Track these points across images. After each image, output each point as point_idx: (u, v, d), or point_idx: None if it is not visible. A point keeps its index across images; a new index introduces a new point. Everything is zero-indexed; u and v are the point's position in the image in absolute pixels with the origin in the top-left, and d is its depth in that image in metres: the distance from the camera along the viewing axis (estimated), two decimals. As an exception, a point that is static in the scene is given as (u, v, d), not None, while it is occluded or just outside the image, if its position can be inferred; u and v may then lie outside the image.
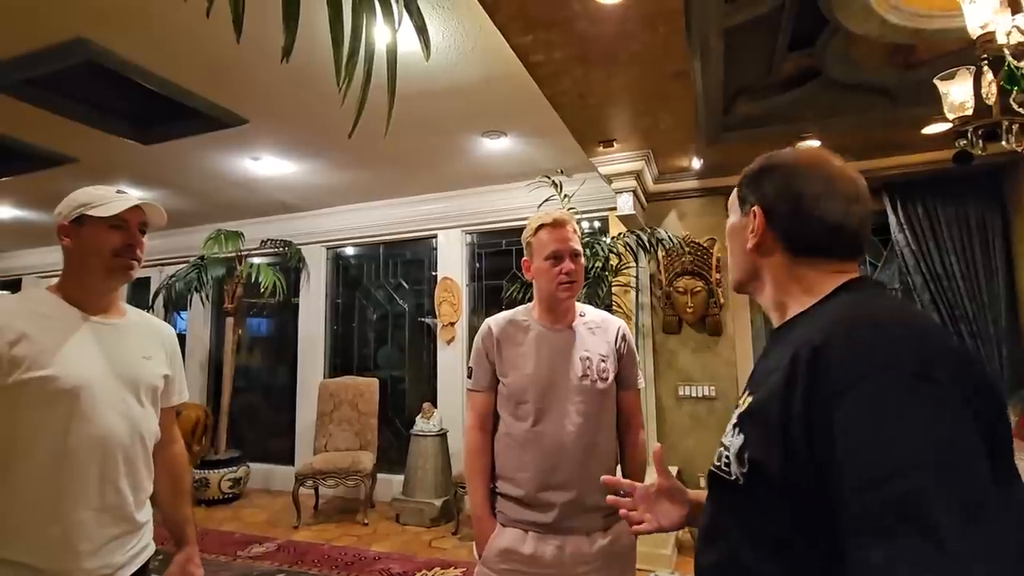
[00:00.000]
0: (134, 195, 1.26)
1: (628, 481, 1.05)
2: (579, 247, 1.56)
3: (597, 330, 1.59)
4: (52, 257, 6.97)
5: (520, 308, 1.65)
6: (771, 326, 0.90)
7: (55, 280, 1.24)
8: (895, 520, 0.50)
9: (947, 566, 0.47)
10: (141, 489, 1.23)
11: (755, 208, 0.80)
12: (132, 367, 1.23)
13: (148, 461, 1.26)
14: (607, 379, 1.53)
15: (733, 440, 0.71)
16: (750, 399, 0.73)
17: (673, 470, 3.76)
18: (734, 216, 0.88)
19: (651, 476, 1.04)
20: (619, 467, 1.63)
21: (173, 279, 5.37)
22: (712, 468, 0.75)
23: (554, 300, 1.55)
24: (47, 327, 1.11)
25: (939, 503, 0.49)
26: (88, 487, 1.11)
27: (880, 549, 0.51)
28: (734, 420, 0.74)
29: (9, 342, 1.05)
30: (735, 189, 0.89)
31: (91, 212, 1.19)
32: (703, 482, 3.63)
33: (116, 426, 1.16)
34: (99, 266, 1.20)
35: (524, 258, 1.64)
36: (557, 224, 1.55)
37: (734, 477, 0.69)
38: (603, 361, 1.54)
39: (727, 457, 0.71)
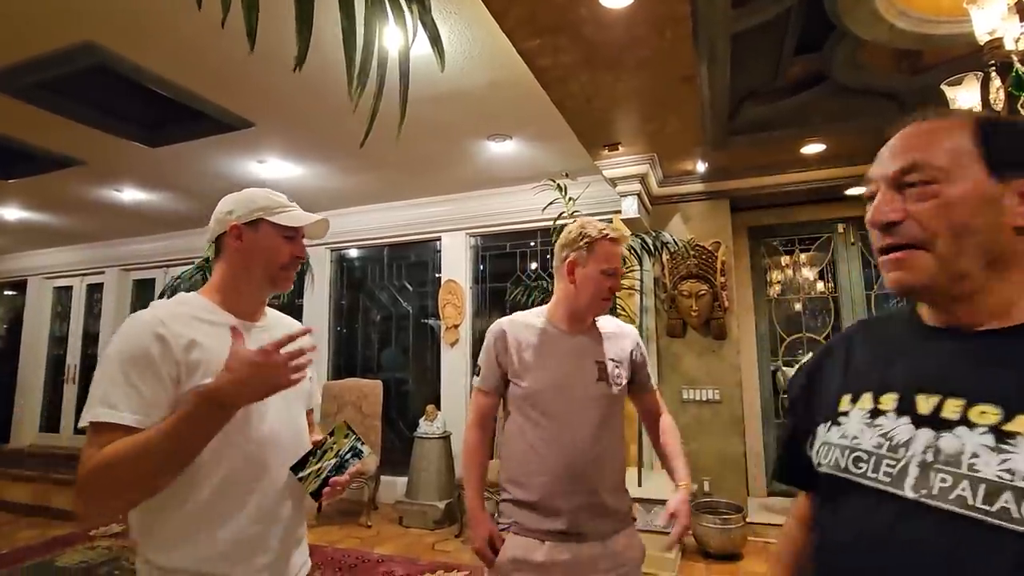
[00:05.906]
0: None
1: None
2: None
3: (611, 336, 1.59)
4: (57, 259, 7.00)
5: (533, 311, 1.63)
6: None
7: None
8: None
9: None
10: (302, 501, 1.19)
11: None
12: None
13: None
14: (621, 384, 1.54)
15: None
16: None
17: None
18: (968, 180, 0.63)
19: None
20: (635, 469, 1.63)
21: (178, 280, 5.36)
22: (969, 513, 0.55)
23: (588, 311, 1.54)
24: (212, 333, 1.06)
25: None
26: (254, 499, 1.06)
27: None
28: (1011, 448, 0.55)
29: (184, 347, 1.01)
30: (976, 146, 0.64)
31: (272, 218, 1.15)
32: (708, 486, 3.60)
33: (283, 435, 1.12)
34: (264, 274, 1.15)
35: (570, 258, 1.52)
36: (620, 241, 1.54)
37: None
38: (617, 367, 1.54)
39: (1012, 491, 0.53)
